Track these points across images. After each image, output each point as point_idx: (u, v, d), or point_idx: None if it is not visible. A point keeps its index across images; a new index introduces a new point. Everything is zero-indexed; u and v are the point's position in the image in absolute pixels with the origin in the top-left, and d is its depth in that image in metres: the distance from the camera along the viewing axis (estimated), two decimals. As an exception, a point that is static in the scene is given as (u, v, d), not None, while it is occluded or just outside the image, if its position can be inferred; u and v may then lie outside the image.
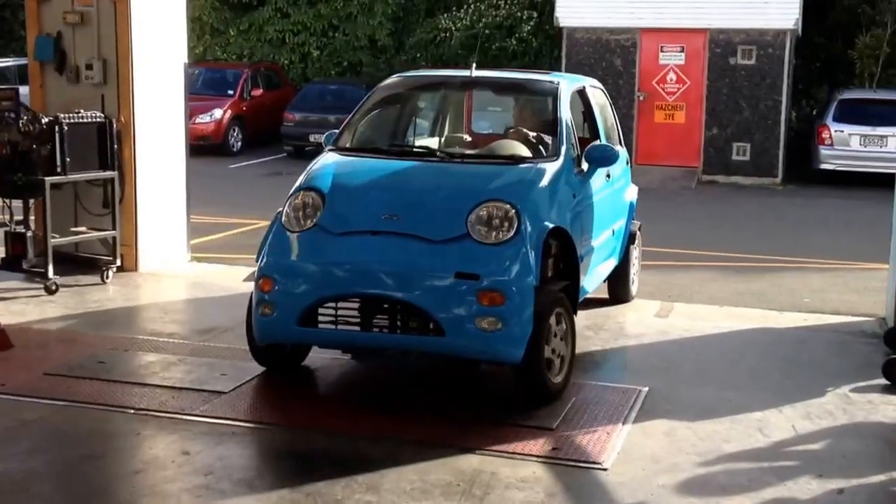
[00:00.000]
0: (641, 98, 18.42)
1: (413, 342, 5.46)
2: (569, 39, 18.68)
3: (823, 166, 17.88)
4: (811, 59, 20.91)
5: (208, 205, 12.41)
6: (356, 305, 5.46)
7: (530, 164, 6.17)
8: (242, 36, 23.89)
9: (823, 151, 17.82)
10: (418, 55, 22.84)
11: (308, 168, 6.25)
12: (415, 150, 6.81)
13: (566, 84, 7.01)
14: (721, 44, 18.09)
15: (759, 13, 17.69)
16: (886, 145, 17.55)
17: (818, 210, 15.50)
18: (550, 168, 6.13)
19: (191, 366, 6.27)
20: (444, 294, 5.31)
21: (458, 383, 6.11)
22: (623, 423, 5.42)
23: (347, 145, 6.60)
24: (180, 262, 9.42)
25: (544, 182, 5.97)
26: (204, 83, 20.97)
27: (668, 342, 7.20)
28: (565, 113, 6.60)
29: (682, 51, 18.26)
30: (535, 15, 21.59)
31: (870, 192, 16.80)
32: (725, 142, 18.29)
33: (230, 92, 20.91)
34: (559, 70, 18.51)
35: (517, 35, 21.57)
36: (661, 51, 18.30)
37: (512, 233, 5.48)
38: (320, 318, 5.51)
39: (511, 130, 6.96)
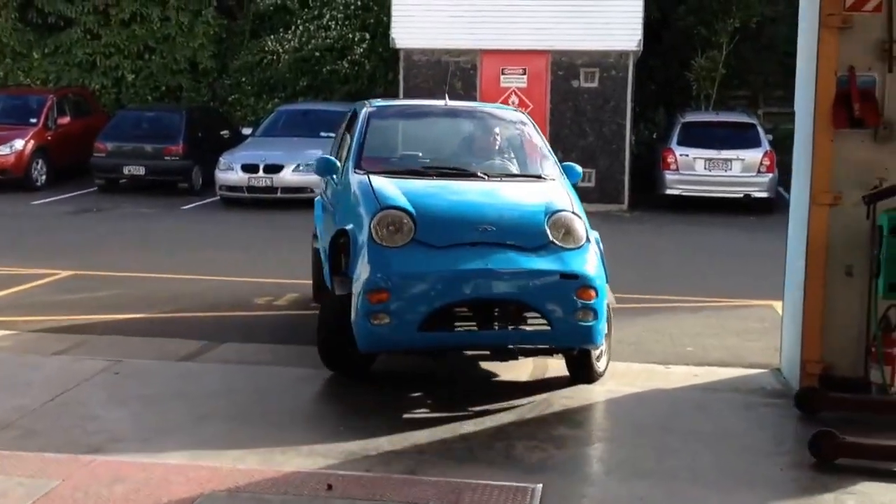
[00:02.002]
0: (484, 123, 17.54)
1: (523, 337, 6.19)
2: (406, 61, 17.65)
3: (669, 191, 17.34)
4: (647, 81, 20.64)
5: (2, 252, 10.64)
6: (473, 308, 6.13)
7: (551, 181, 7.10)
8: (48, 59, 22.15)
9: (669, 176, 17.29)
10: (243, 79, 21.56)
11: (367, 190, 6.65)
12: (457, 170, 7.20)
13: None
14: (563, 66, 17.42)
15: (602, 35, 17.11)
16: (731, 169, 17.20)
17: (670, 238, 14.87)
18: (566, 183, 7.11)
19: (-57, 492, 4.70)
20: (551, 293, 6.10)
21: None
22: (521, 546, 4.24)
23: (377, 169, 7.02)
24: (-46, 332, 7.70)
25: (575, 196, 6.89)
26: (3, 111, 19.10)
27: (553, 415, 6.08)
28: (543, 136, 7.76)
29: (524, 73, 17.50)
30: (367, 36, 20.66)
31: (716, 217, 16.51)
32: (568, 167, 17.59)
33: (33, 120, 18.90)
34: (397, 94, 17.48)
35: (349, 58, 20.58)
36: (503, 73, 17.49)
37: (585, 238, 6.38)
38: (438, 322, 6.05)
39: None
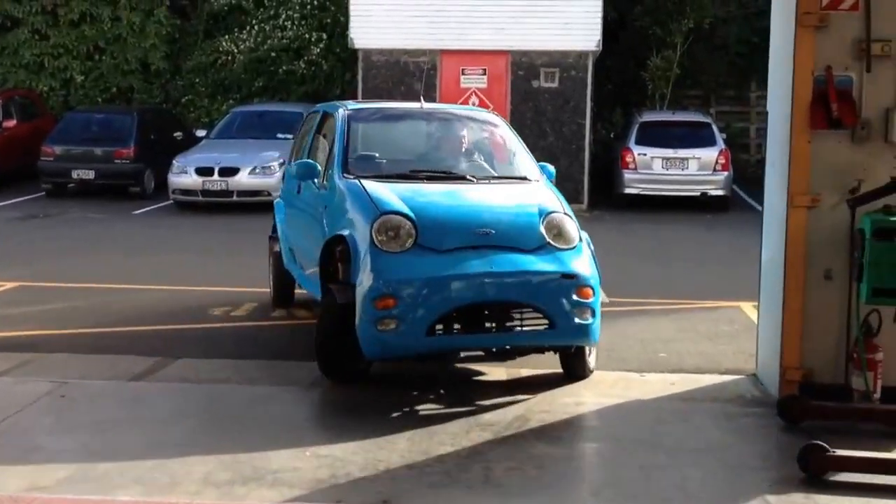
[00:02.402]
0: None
1: (525, 337, 6.32)
2: (365, 62, 17.35)
3: (628, 190, 17.26)
4: (604, 81, 20.53)
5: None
6: (478, 310, 6.14)
7: (536, 182, 7.18)
8: (-7, 61, 21.48)
9: (627, 175, 17.20)
10: (197, 80, 21.10)
11: (361, 195, 6.58)
12: (445, 174, 7.19)
13: None
14: (524, 66, 17.24)
15: (562, 35, 16.99)
16: (688, 167, 17.17)
17: (631, 237, 14.66)
18: (550, 184, 7.26)
19: None
20: (554, 293, 6.21)
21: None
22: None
23: (365, 173, 6.95)
24: None
25: (562, 196, 6.95)
26: (-54, 114, 18.47)
27: (531, 432, 5.79)
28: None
29: (484, 73, 17.31)
30: (324, 36, 20.31)
31: (674, 216, 16.46)
32: (531, 168, 17.39)
33: (-23, 124, 18.32)
34: (356, 95, 17.18)
35: (306, 58, 20.24)
36: (463, 74, 17.30)
37: (578, 238, 6.49)
38: (445, 326, 6.08)
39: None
